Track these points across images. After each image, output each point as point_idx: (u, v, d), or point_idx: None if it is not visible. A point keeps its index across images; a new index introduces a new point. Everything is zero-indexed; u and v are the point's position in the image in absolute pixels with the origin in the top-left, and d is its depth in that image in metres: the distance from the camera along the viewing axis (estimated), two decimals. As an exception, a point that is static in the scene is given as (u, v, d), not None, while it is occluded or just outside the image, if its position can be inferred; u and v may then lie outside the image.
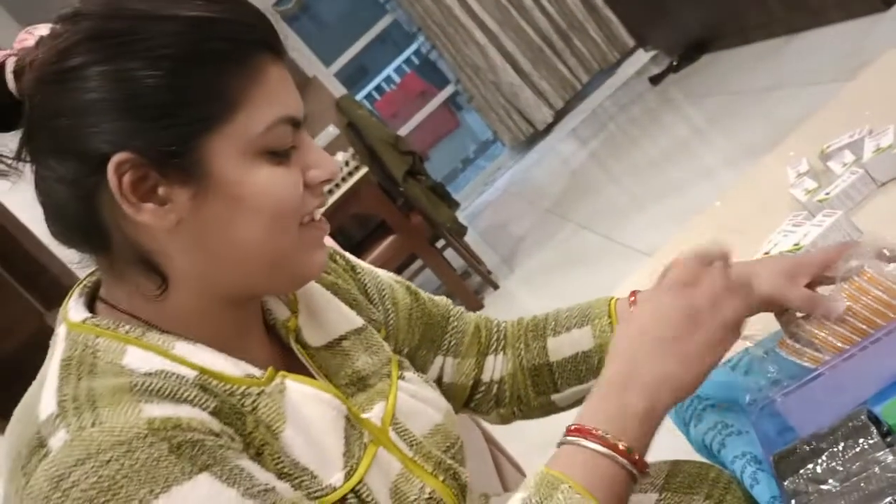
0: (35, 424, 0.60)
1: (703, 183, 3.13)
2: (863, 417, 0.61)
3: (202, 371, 0.65)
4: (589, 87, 6.29)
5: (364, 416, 0.74)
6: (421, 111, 6.96)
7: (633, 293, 0.89)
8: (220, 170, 0.64)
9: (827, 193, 1.01)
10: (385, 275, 0.94)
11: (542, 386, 0.93)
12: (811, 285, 0.78)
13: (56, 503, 0.55)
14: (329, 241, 0.94)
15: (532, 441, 1.80)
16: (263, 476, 0.62)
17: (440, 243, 4.12)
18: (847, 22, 3.29)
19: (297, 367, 0.74)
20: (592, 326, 0.90)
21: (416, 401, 0.80)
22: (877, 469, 0.57)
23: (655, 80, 5.12)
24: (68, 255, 0.73)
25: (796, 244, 0.93)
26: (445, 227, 3.87)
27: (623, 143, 4.69)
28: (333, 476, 0.67)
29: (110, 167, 0.62)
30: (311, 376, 0.74)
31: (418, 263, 4.14)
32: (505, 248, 4.67)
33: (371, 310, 0.87)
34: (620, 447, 0.63)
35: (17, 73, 0.64)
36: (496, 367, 0.95)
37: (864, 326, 0.71)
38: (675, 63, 4.98)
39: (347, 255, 0.93)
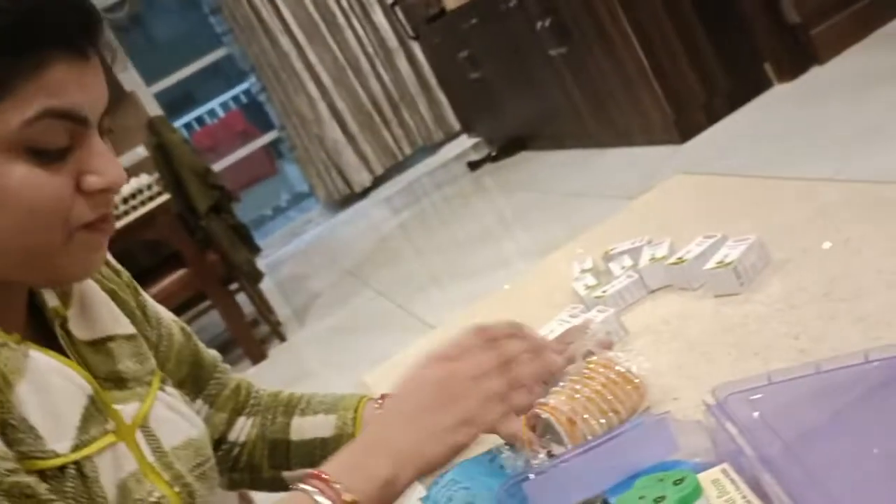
0: None
1: (500, 270, 3.24)
2: (599, 503, 0.63)
3: None
4: (410, 160, 6.43)
5: (116, 406, 0.72)
6: (239, 150, 6.82)
7: (383, 396, 0.91)
8: None
9: (604, 291, 1.06)
10: (163, 310, 0.93)
11: (278, 460, 0.94)
12: None
13: None
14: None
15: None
16: None
17: (233, 287, 3.99)
18: (649, 147, 3.58)
19: (53, 350, 0.71)
20: (337, 416, 0.93)
21: (172, 412, 0.78)
22: None
23: (474, 165, 5.31)
24: None
25: (568, 334, 0.97)
26: (241, 270, 3.75)
27: (433, 220, 4.80)
28: (60, 443, 0.65)
29: None
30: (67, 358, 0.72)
31: (206, 304, 3.97)
32: (300, 302, 4.59)
33: (146, 327, 0.86)
34: (345, 497, 0.62)
35: None
36: (243, 429, 0.96)
37: (605, 408, 0.76)
38: (493, 154, 5.21)
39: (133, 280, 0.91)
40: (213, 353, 0.97)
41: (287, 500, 0.65)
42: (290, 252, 6.24)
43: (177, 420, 0.78)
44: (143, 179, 3.88)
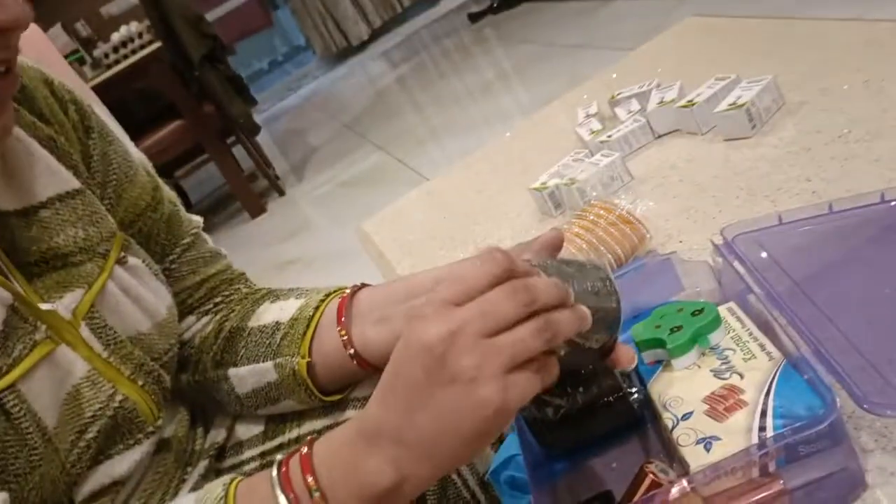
0: None
1: (498, 124, 3.18)
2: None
3: None
4: (409, 12, 6.21)
5: (46, 306, 0.59)
6: (232, 0, 6.59)
7: (361, 286, 0.74)
8: None
9: (609, 136, 1.03)
10: (137, 154, 0.75)
11: (229, 354, 0.76)
12: None
13: None
14: (101, 108, 0.72)
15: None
16: None
17: (230, 140, 3.92)
18: (658, -4, 3.43)
19: None
20: (303, 301, 0.75)
21: (128, 298, 0.66)
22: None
23: (474, 17, 5.13)
24: None
25: (571, 179, 0.94)
26: (238, 122, 3.68)
27: (431, 74, 4.67)
28: None
29: None
30: None
31: (203, 157, 3.92)
32: (298, 156, 4.54)
33: (89, 181, 0.70)
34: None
35: None
36: (192, 327, 0.79)
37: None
38: (495, 4, 5.02)
39: (93, 113, 0.73)
40: (192, 222, 0.79)
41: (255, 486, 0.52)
42: (286, 107, 6.12)
43: (139, 298, 0.66)
44: (134, 27, 3.74)
